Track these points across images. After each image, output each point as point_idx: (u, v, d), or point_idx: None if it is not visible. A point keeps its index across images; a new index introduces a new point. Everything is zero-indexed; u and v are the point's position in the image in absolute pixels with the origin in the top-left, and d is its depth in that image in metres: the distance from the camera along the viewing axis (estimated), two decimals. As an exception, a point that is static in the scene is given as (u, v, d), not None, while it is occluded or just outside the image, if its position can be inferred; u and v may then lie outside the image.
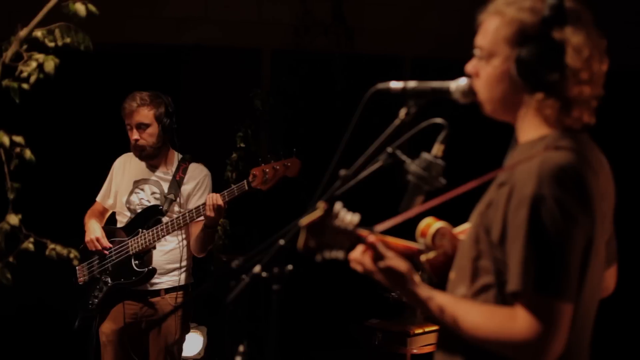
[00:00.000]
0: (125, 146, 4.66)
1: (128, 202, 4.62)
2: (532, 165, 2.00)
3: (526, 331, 1.95)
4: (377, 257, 2.17)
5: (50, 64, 2.66)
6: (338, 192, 2.20)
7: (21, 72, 2.66)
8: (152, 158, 4.61)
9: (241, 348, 2.34)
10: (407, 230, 2.36)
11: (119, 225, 4.66)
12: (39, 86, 2.74)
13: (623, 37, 2.18)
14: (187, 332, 4.72)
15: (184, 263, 4.58)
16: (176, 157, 4.66)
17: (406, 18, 7.71)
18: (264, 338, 2.23)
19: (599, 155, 2.15)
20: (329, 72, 7.54)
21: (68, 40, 2.78)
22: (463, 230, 2.36)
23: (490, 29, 2.15)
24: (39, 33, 2.72)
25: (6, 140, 2.59)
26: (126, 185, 4.65)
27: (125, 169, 4.71)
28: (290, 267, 2.21)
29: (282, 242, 2.20)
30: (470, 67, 2.21)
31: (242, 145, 6.79)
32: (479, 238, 2.09)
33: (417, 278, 2.17)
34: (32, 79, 2.65)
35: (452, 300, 2.12)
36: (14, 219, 2.69)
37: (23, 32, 2.69)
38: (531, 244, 1.94)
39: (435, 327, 5.25)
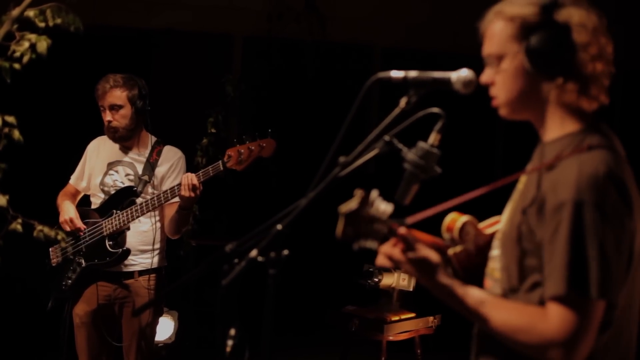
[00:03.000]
0: (101, 128, 4.64)
1: (102, 183, 4.59)
2: (568, 169, 2.01)
3: (557, 330, 1.96)
4: (408, 248, 2.17)
5: (42, 45, 2.64)
6: (338, 177, 2.20)
7: (13, 51, 2.63)
8: (125, 140, 4.59)
9: (232, 332, 2.35)
10: (428, 224, 2.36)
11: (92, 207, 4.63)
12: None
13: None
14: (160, 315, 4.71)
15: (157, 245, 4.56)
16: (150, 139, 4.65)
17: (377, 7, 7.75)
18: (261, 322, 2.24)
19: (621, 146, 2.17)
20: (300, 59, 7.57)
21: (59, 20, 2.75)
22: (488, 224, 2.37)
23: (495, 33, 2.17)
24: (30, 13, 2.69)
25: (-2, 120, 2.57)
26: (100, 167, 4.63)
27: (100, 151, 4.68)
28: (286, 252, 2.22)
29: (279, 227, 2.20)
30: (485, 77, 2.22)
31: (213, 130, 6.79)
32: (522, 237, 2.10)
33: (448, 270, 2.18)
34: (25, 59, 2.62)
35: (483, 295, 2.13)
36: (1, 200, 2.67)
37: (15, 12, 2.66)
38: (575, 250, 1.95)
39: (411, 315, 5.31)
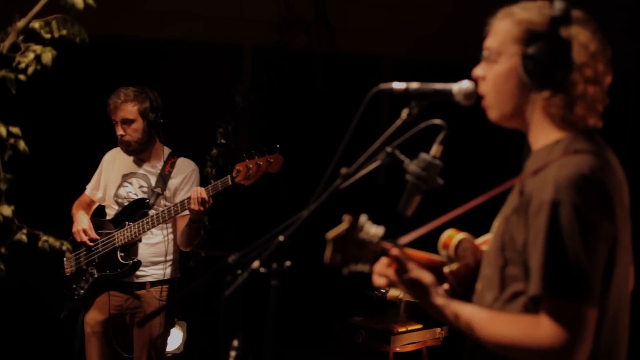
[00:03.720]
0: (112, 138, 4.67)
1: (116, 195, 4.63)
2: (550, 171, 2.02)
3: (551, 337, 1.96)
4: (401, 269, 2.17)
5: (47, 56, 2.67)
6: (340, 189, 2.20)
7: (18, 63, 2.65)
8: (138, 152, 4.63)
9: (235, 343, 2.35)
10: (427, 241, 2.35)
11: (107, 217, 4.67)
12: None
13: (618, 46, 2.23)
14: (172, 326, 4.73)
15: (169, 257, 4.60)
16: (164, 151, 4.68)
17: (387, 18, 7.74)
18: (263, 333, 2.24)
19: (613, 157, 2.17)
20: (310, 70, 7.56)
21: (64, 32, 2.78)
22: (485, 241, 2.36)
23: (500, 30, 2.19)
24: (36, 24, 2.71)
25: (3, 130, 2.58)
26: (115, 178, 4.67)
27: (115, 162, 4.72)
28: (288, 263, 2.22)
29: (281, 238, 2.21)
30: (477, 70, 2.24)
31: (223, 141, 6.79)
32: (505, 246, 2.10)
33: (440, 290, 2.17)
34: (30, 70, 2.64)
35: (475, 311, 2.13)
36: (6, 210, 2.69)
37: (21, 23, 2.68)
38: (549, 249, 1.96)
39: (418, 326, 5.30)
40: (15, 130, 2.61)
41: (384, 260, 2.20)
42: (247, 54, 7.55)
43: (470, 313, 2.11)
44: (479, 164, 7.80)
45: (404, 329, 5.23)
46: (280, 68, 7.48)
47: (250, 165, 4.29)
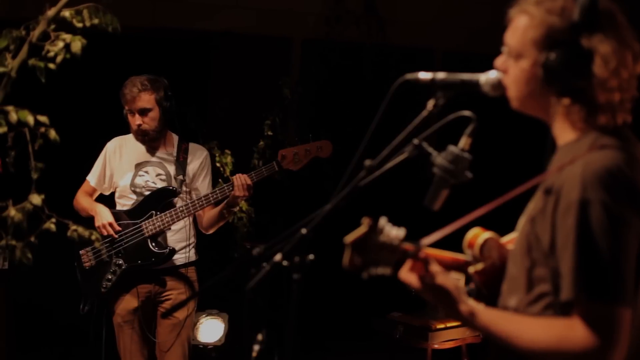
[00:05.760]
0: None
1: (133, 185, 4.62)
2: (576, 169, 1.95)
3: (586, 340, 1.90)
4: (425, 275, 2.11)
5: (77, 45, 2.64)
6: (363, 182, 2.16)
7: (48, 51, 2.64)
8: (154, 141, 4.65)
9: (260, 336, 2.32)
10: (452, 239, 2.29)
11: (121, 207, 4.66)
12: (65, 67, 2.71)
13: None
14: (194, 310, 4.80)
15: (191, 240, 4.71)
16: (174, 138, 4.71)
17: (438, 11, 7.66)
18: (284, 327, 2.21)
19: None
20: (359, 62, 7.52)
21: (96, 21, 2.75)
22: (510, 239, 2.29)
23: (519, 29, 2.10)
24: (67, 13, 2.69)
25: (31, 119, 2.57)
26: (126, 168, 4.67)
27: (122, 152, 4.71)
28: (311, 256, 2.18)
29: (304, 231, 2.17)
30: (499, 62, 2.16)
31: (270, 133, 6.77)
32: (531, 246, 2.04)
33: (465, 297, 2.10)
34: (59, 59, 2.63)
35: (503, 317, 2.07)
36: (36, 199, 2.67)
37: (51, 12, 2.67)
38: (581, 251, 1.90)
39: (457, 322, 5.22)
40: (43, 119, 2.59)
41: (407, 264, 2.14)
42: (297, 46, 7.53)
43: (499, 319, 2.06)
44: (512, 159, 7.68)
45: (442, 326, 5.16)
46: (329, 60, 7.45)
47: (297, 151, 4.45)
